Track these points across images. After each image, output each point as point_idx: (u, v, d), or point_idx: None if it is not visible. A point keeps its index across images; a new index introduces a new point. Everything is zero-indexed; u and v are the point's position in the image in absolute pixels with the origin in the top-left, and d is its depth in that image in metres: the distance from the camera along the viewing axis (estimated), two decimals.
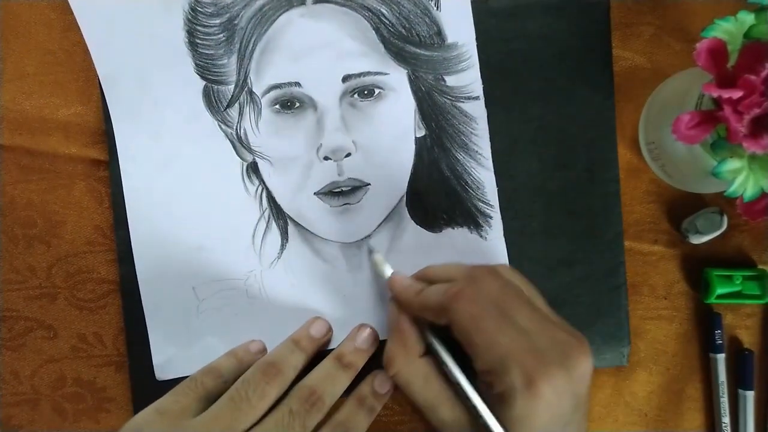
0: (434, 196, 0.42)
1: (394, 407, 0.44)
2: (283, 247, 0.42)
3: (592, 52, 0.43)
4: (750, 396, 0.43)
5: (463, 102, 0.42)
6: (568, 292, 0.43)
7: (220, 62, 0.41)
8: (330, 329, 0.42)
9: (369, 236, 0.42)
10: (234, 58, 0.41)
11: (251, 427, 0.35)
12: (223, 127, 0.41)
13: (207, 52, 0.41)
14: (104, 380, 0.43)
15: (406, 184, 0.42)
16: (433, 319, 0.36)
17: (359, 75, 0.41)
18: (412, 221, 0.42)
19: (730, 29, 0.34)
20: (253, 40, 0.41)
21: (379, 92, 0.42)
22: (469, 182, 0.42)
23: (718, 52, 0.33)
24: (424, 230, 0.43)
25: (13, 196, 0.43)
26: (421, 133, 0.42)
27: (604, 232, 0.43)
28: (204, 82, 0.41)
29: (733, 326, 0.44)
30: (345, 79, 0.41)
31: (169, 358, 0.41)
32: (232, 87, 0.41)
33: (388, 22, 0.41)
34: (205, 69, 0.41)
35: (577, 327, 0.42)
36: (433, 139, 0.42)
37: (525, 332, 0.33)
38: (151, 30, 0.41)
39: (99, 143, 0.43)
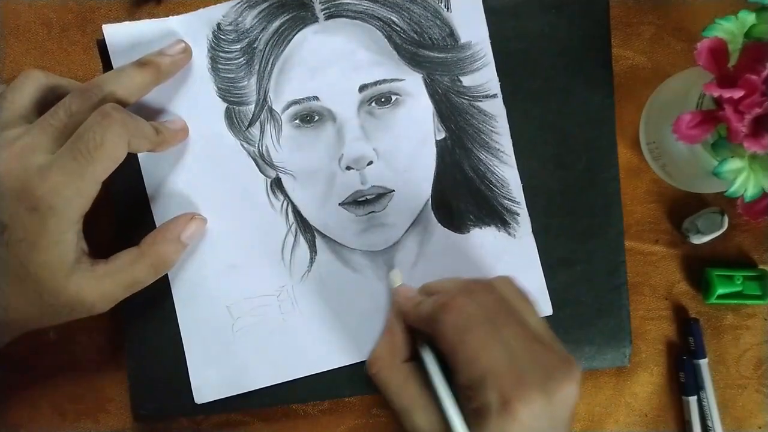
0: (459, 197, 0.42)
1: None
2: (312, 260, 0.42)
3: (591, 51, 0.43)
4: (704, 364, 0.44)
5: (481, 101, 0.42)
6: (568, 292, 0.43)
7: (240, 84, 0.41)
8: (187, 48, 0.41)
9: (398, 242, 0.42)
10: (254, 79, 0.41)
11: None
12: (246, 145, 0.42)
13: (228, 75, 0.41)
14: (104, 380, 0.43)
15: (431, 188, 0.42)
16: (426, 330, 0.35)
17: (375, 83, 0.42)
18: (440, 224, 0.42)
19: (730, 29, 0.34)
20: (271, 60, 0.41)
21: (396, 98, 0.42)
22: (493, 181, 0.42)
23: (719, 51, 0.33)
24: (452, 232, 0.42)
25: None
26: (441, 135, 0.42)
27: (604, 231, 0.43)
28: (225, 104, 0.42)
29: (734, 326, 0.44)
30: (361, 88, 0.41)
31: (206, 380, 0.41)
32: (252, 107, 0.42)
33: (399, 29, 0.41)
34: (227, 91, 0.42)
35: (578, 327, 0.43)
36: (454, 140, 0.42)
37: (509, 350, 0.32)
38: None
39: None
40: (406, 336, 0.37)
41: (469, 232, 0.43)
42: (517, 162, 0.42)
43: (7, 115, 0.37)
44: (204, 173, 0.42)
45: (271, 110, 0.42)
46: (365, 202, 0.42)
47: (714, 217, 0.43)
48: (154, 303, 0.42)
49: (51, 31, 0.43)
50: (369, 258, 0.42)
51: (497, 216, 0.42)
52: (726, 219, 0.43)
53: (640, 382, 0.44)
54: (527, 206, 0.43)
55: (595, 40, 0.43)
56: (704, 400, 0.44)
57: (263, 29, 0.41)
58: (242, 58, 0.41)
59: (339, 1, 0.41)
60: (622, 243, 0.43)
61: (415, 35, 0.42)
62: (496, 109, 0.42)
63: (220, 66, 0.41)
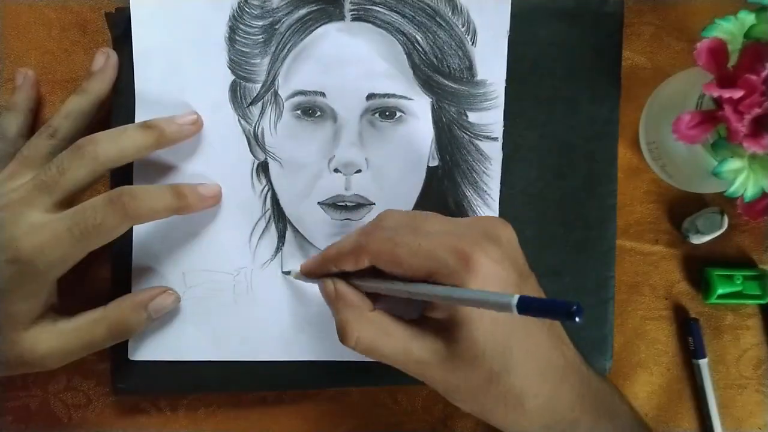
0: None
1: (393, 407, 0.44)
2: (278, 250, 0.42)
3: (601, 64, 0.43)
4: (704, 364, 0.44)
5: (481, 140, 0.42)
6: None
7: (253, 61, 0.42)
8: (198, 120, 0.41)
9: None
10: (267, 60, 0.42)
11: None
12: (243, 122, 0.42)
13: (244, 49, 0.42)
14: (104, 380, 0.43)
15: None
16: (353, 266, 0.35)
17: (384, 95, 0.42)
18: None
19: (730, 29, 0.34)
20: (288, 45, 0.41)
21: (401, 116, 0.42)
22: None
23: (719, 51, 0.33)
24: None
25: None
26: (435, 163, 0.42)
27: (597, 245, 0.43)
28: (233, 77, 0.42)
29: (734, 326, 0.44)
30: (369, 97, 0.41)
31: (145, 338, 0.42)
32: (259, 86, 0.42)
33: (420, 50, 0.42)
34: (238, 65, 0.42)
35: None
36: (445, 171, 0.42)
37: (442, 231, 0.34)
38: (196, 18, 0.41)
39: None
40: (355, 289, 0.36)
41: None
42: (516, 169, 0.42)
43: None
44: (195, 138, 0.42)
45: (276, 94, 0.42)
46: (344, 207, 0.42)
47: (714, 217, 0.43)
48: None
49: (51, 31, 0.43)
50: None
51: None
52: (726, 219, 0.43)
53: (640, 382, 0.44)
54: (522, 213, 0.43)
55: (606, 53, 0.43)
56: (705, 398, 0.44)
57: (289, 13, 0.41)
58: (261, 36, 0.41)
59: (369, 6, 0.41)
60: (613, 258, 0.43)
61: (434, 59, 0.42)
62: (493, 152, 0.42)
63: (237, 38, 0.41)
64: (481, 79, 0.42)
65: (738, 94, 0.32)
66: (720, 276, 0.43)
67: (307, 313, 0.42)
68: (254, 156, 0.42)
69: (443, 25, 0.42)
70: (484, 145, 0.42)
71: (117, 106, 0.42)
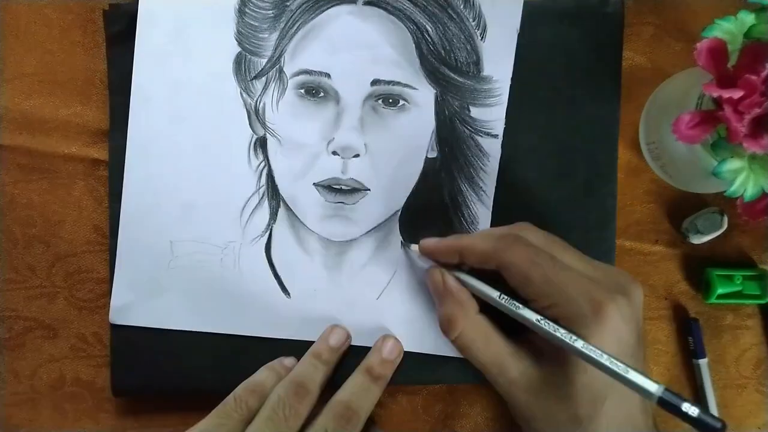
0: (428, 219, 0.42)
1: (393, 407, 0.44)
2: (269, 227, 0.42)
3: (602, 65, 0.42)
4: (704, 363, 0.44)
5: (482, 136, 0.42)
6: None
7: (261, 35, 0.42)
8: (348, 336, 0.42)
9: (355, 240, 0.42)
10: (275, 35, 0.41)
11: None
12: (245, 95, 0.42)
13: (252, 23, 0.42)
14: (104, 380, 0.43)
15: (404, 200, 0.42)
16: (477, 265, 0.36)
17: (388, 83, 0.42)
18: (401, 237, 0.43)
19: (730, 29, 0.34)
20: (298, 23, 0.41)
21: (403, 104, 0.42)
22: (465, 215, 0.42)
23: (719, 51, 0.33)
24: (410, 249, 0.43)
25: (13, 195, 0.43)
26: (433, 154, 0.42)
27: (597, 246, 0.43)
28: (239, 50, 0.42)
29: (734, 326, 0.44)
30: (374, 82, 0.41)
31: (128, 304, 0.42)
32: (264, 61, 0.42)
33: (429, 40, 0.42)
34: (245, 37, 0.42)
35: None
36: (443, 163, 0.42)
37: (578, 269, 0.34)
38: None
39: (99, 143, 0.43)
40: (466, 289, 0.37)
41: None
42: (516, 170, 0.42)
43: None
44: (195, 107, 0.42)
45: (281, 71, 0.42)
46: (339, 191, 0.42)
47: (713, 217, 0.43)
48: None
49: (51, 31, 0.43)
50: (323, 245, 0.42)
51: None
52: (725, 219, 0.43)
53: None
54: (522, 213, 0.42)
55: (606, 53, 0.42)
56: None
57: None
58: (271, 11, 0.41)
59: None
60: (613, 258, 0.43)
61: (442, 51, 0.42)
62: (492, 149, 0.42)
63: (247, 10, 0.41)
64: (487, 74, 0.42)
65: (738, 94, 0.32)
66: (720, 276, 0.43)
67: (291, 293, 0.42)
68: (253, 131, 0.42)
69: (454, 17, 0.42)
70: (483, 141, 0.42)
71: (115, 105, 0.42)
